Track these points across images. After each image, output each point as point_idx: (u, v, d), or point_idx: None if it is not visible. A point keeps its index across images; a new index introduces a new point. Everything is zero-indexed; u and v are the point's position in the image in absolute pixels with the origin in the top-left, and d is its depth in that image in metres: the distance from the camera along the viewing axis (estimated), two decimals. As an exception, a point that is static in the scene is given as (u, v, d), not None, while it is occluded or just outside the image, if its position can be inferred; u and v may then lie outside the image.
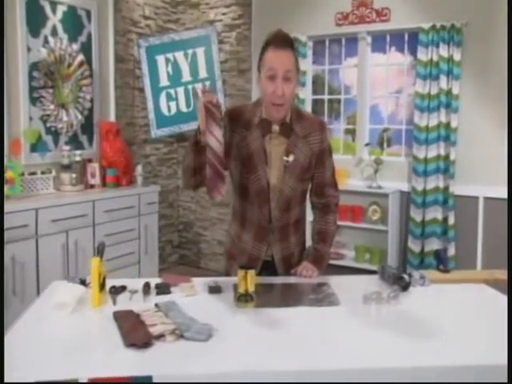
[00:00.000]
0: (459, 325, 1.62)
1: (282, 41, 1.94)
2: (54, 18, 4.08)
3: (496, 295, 1.89)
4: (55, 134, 4.17)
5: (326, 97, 4.85)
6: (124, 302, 1.76)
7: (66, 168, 4.12)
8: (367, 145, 4.47)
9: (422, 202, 4.27)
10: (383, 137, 4.48)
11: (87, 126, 4.43)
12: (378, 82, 4.64)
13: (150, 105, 4.81)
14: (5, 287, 3.34)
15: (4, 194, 3.37)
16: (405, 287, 1.89)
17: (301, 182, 2.10)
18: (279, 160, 2.05)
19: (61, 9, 4.12)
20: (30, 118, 3.98)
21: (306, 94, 4.77)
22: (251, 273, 1.84)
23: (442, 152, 4.18)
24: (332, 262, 4.55)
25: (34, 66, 3.95)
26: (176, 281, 1.95)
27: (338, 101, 4.83)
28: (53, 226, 3.67)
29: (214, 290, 1.87)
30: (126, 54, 4.76)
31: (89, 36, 4.37)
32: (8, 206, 3.39)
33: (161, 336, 1.47)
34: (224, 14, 4.97)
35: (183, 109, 4.82)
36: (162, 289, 1.85)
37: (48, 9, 4.03)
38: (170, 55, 4.79)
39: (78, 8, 4.27)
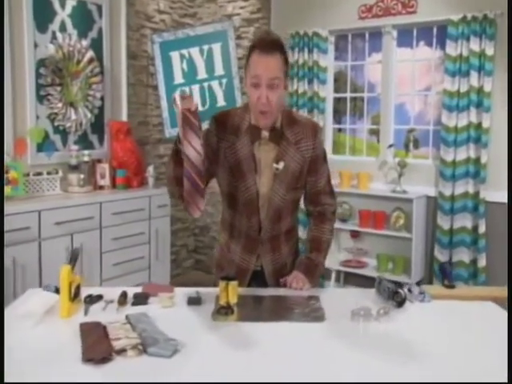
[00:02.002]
0: (452, 347, 1.54)
1: (268, 45, 1.89)
2: (63, 13, 4.13)
3: (503, 315, 1.80)
4: (63, 133, 4.23)
5: (348, 95, 4.76)
6: (96, 313, 1.75)
7: (74, 168, 4.17)
8: (391, 146, 4.36)
9: (449, 208, 4.14)
10: (409, 138, 4.36)
11: (97, 125, 4.47)
12: (405, 79, 4.52)
13: (164, 103, 4.80)
14: (5, 290, 3.40)
15: (4, 194, 3.41)
16: (400, 303, 1.81)
17: (292, 191, 2.05)
18: (269, 167, 2.01)
19: (70, 3, 4.17)
20: (37, 117, 4.04)
21: (328, 92, 4.70)
22: (233, 284, 1.81)
23: (472, 154, 4.04)
24: (353, 270, 4.50)
25: (41, 63, 4.01)
26: (156, 291, 1.93)
27: (362, 99, 4.74)
28: (56, 229, 3.71)
29: (193, 301, 1.84)
30: (139, 51, 4.79)
31: (100, 32, 4.41)
32: (10, 208, 3.45)
33: (122, 351, 1.45)
34: (242, 7, 4.95)
35: (198, 107, 4.81)
36: (139, 299, 1.83)
37: (56, 4, 4.09)
38: (184, 51, 4.78)
39: (89, 2, 4.31)
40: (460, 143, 4.06)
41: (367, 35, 4.56)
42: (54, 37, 4.07)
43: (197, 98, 4.85)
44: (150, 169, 4.53)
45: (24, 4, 3.88)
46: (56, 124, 4.16)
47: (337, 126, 4.93)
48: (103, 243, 4.06)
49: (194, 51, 4.78)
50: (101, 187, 4.34)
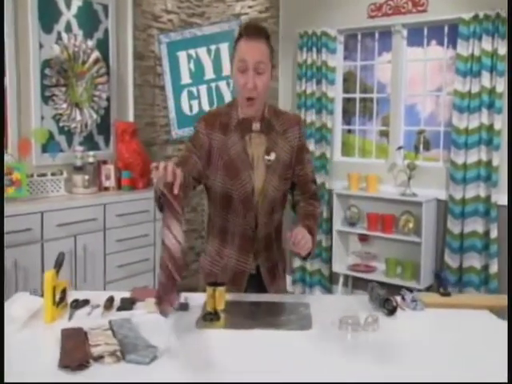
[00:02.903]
0: (440, 357, 1.51)
1: (254, 31, 1.94)
2: (68, 14, 4.17)
3: (497, 324, 1.76)
4: (68, 134, 4.26)
5: (357, 95, 4.73)
6: (81, 318, 1.76)
7: (79, 169, 4.20)
8: (400, 148, 4.32)
9: (460, 212, 4.09)
10: (419, 140, 4.31)
11: (103, 126, 4.50)
12: (416, 79, 4.48)
13: (171, 104, 4.84)
14: (7, 292, 3.43)
15: (4, 194, 3.44)
16: (391, 311, 1.79)
17: (283, 181, 2.08)
18: (262, 160, 2.03)
19: (75, 4, 4.21)
20: (42, 117, 4.08)
21: (337, 93, 4.67)
22: (220, 290, 1.81)
23: (484, 157, 3.98)
24: (361, 275, 4.47)
25: (46, 64, 4.05)
26: (144, 296, 1.93)
27: (372, 100, 4.70)
28: (59, 230, 3.74)
29: (180, 307, 1.84)
30: (146, 51, 4.81)
31: (106, 32, 4.44)
32: (12, 209, 3.49)
33: (100, 357, 1.45)
34: (250, 6, 4.95)
35: (206, 108, 4.82)
36: (124, 304, 1.84)
37: (62, 4, 4.12)
38: (192, 51, 4.80)
39: (94, 2, 4.35)
40: (471, 145, 4.01)
41: (377, 34, 4.53)
42: (59, 37, 4.11)
43: (204, 99, 4.87)
44: (156, 170, 4.54)
45: (29, 4, 3.92)
46: (61, 125, 4.19)
47: (346, 127, 4.90)
48: (107, 245, 4.08)
49: (202, 51, 4.79)
50: (106, 188, 4.37)
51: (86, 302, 1.87)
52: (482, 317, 1.82)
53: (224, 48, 4.79)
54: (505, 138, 3.92)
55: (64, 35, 4.13)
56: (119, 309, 1.82)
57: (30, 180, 3.89)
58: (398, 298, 1.92)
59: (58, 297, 1.77)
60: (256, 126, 2.01)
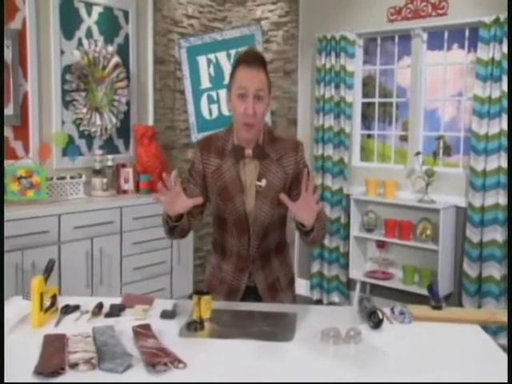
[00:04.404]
0: (419, 371, 1.49)
1: (254, 59, 1.96)
2: (89, 20, 4.26)
3: (486, 341, 1.72)
4: (88, 138, 4.35)
5: (376, 100, 4.68)
6: (68, 324, 1.80)
7: (98, 173, 4.28)
8: (418, 154, 4.25)
9: (479, 220, 4.00)
10: (438, 145, 4.23)
11: (123, 130, 4.58)
12: (436, 83, 4.40)
13: (191, 108, 4.89)
14: (25, 292, 3.53)
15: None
16: (377, 324, 1.77)
17: (277, 207, 2.07)
18: (254, 186, 2.06)
19: (96, 10, 4.29)
20: (63, 122, 4.18)
21: (355, 97, 4.63)
22: (205, 299, 1.82)
23: (504, 164, 3.88)
24: (379, 282, 4.41)
25: (67, 69, 4.15)
26: (134, 302, 1.96)
27: (392, 104, 4.64)
28: (76, 233, 3.82)
29: (166, 315, 1.86)
30: (166, 55, 4.87)
31: (126, 37, 4.52)
32: (30, 211, 3.59)
33: (75, 365, 1.48)
34: (271, 11, 4.95)
35: (225, 112, 4.85)
36: (113, 311, 1.87)
37: (83, 11, 4.21)
38: (211, 56, 4.84)
39: (115, 9, 4.43)
40: (491, 152, 3.91)
41: (397, 38, 4.47)
42: (80, 43, 4.20)
43: (224, 103, 4.88)
44: (174, 173, 4.58)
45: (51, 12, 4.02)
46: (81, 129, 4.28)
47: (365, 132, 4.85)
48: (124, 247, 4.15)
49: (221, 56, 4.83)
50: (124, 191, 4.44)
51: (76, 308, 1.91)
52: (471, 332, 1.78)
53: (244, 52, 4.80)
54: (526, 144, 3.81)
55: (85, 41, 4.22)
56: (107, 315, 1.85)
57: (50, 183, 3.99)
58: (388, 311, 1.90)
59: (47, 302, 1.82)
60: (248, 152, 2.03)
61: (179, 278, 4.57)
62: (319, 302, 4.83)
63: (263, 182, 2.03)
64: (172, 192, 1.78)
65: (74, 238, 3.82)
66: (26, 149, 4.00)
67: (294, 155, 2.06)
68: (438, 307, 1.90)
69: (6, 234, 3.40)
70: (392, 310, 1.89)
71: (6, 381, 1.40)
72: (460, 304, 4.15)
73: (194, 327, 1.76)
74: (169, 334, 1.73)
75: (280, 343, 1.68)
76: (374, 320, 1.77)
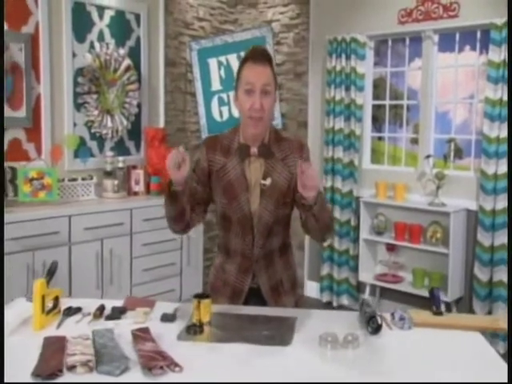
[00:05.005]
0: (416, 377, 1.48)
1: (260, 56, 1.99)
2: (101, 23, 4.30)
3: (486, 348, 1.70)
4: (100, 140, 4.40)
5: (387, 102, 4.65)
6: (69, 326, 1.81)
7: (109, 174, 4.32)
8: (428, 157, 4.22)
9: (490, 223, 3.96)
10: (449, 148, 4.20)
11: (134, 132, 4.62)
12: (447, 85, 4.37)
13: (202, 110, 4.91)
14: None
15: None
16: (376, 329, 1.76)
17: (282, 206, 2.08)
18: (259, 185, 2.06)
19: (108, 13, 4.34)
20: (74, 124, 4.23)
21: (366, 100, 4.61)
22: (205, 302, 1.83)
23: (515, 167, 3.84)
24: (388, 285, 4.39)
25: (79, 72, 4.19)
26: (136, 305, 1.97)
27: (403, 106, 4.61)
28: (86, 234, 3.86)
29: (166, 318, 1.87)
30: (177, 58, 4.89)
31: (137, 40, 4.55)
32: (41, 212, 3.64)
33: (73, 367, 1.50)
34: (282, 13, 4.95)
35: (235, 114, 4.86)
36: (114, 313, 1.88)
37: (95, 14, 4.26)
38: (222, 58, 4.86)
39: (127, 12, 4.46)
40: (502, 155, 3.87)
41: (407, 40, 4.44)
42: (91, 46, 4.25)
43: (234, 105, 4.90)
44: (184, 176, 4.61)
45: (63, 16, 4.07)
46: (93, 131, 4.33)
47: (376, 135, 4.84)
48: (134, 248, 4.18)
49: (232, 58, 4.84)
50: (135, 193, 4.48)
51: (78, 310, 1.93)
52: (471, 339, 1.76)
53: (254, 55, 4.81)
54: (538, 147, 3.77)
55: (96, 44, 4.26)
56: (108, 318, 1.87)
57: (61, 184, 4.03)
58: (388, 316, 1.90)
59: (50, 304, 1.84)
60: (254, 150, 2.04)
61: (189, 280, 4.59)
62: (329, 304, 4.83)
63: (268, 181, 2.03)
64: (181, 155, 1.83)
65: (85, 239, 3.86)
66: (39, 150, 4.05)
67: (299, 155, 2.06)
68: (438, 313, 1.89)
69: (17, 234, 3.47)
70: (392, 315, 1.88)
71: (6, 381, 1.43)
72: (470, 308, 4.12)
73: (193, 331, 1.77)
74: (168, 337, 1.74)
75: (277, 347, 1.68)
76: (373, 325, 1.77)
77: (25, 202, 3.78)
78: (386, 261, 4.51)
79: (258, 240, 2.09)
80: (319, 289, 4.93)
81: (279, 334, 1.77)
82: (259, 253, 2.11)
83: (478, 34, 4.11)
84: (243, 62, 2.00)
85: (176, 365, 1.52)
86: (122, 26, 4.44)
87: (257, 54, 1.99)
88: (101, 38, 4.30)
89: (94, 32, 4.26)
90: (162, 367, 1.49)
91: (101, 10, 4.29)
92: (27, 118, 3.95)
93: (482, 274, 4.02)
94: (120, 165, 4.37)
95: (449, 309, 4.12)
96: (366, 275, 4.53)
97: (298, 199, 1.96)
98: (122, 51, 4.40)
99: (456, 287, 4.12)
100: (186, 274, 4.58)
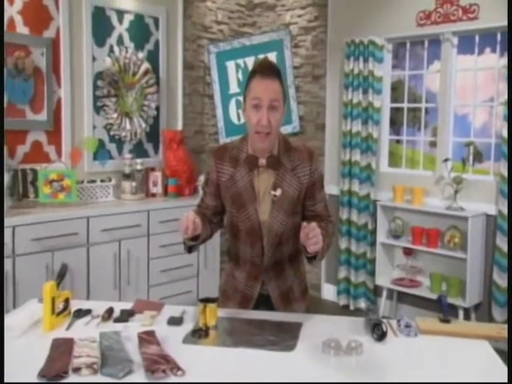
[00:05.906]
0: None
1: (268, 69, 1.97)
2: (120, 27, 4.36)
3: (492, 357, 1.69)
4: (119, 142, 4.46)
5: (405, 105, 4.62)
6: (78, 328, 1.85)
7: (127, 176, 4.37)
8: (446, 160, 4.18)
9: (510, 228, 3.90)
10: (468, 151, 4.15)
11: (153, 134, 4.67)
12: (466, 88, 4.32)
13: (220, 112, 4.95)
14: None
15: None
16: (380, 336, 1.76)
17: (292, 216, 2.09)
18: (268, 195, 2.07)
19: (127, 18, 4.39)
20: (94, 127, 4.30)
21: (384, 103, 4.58)
22: (211, 306, 1.85)
23: (536, 171, 3.78)
24: (406, 290, 4.36)
25: (98, 76, 4.26)
26: (144, 308, 2.00)
27: (422, 109, 4.58)
28: (104, 235, 3.92)
29: (173, 321, 1.89)
30: (195, 61, 4.93)
31: (156, 43, 4.60)
32: (60, 214, 3.71)
33: (78, 369, 1.53)
34: (300, 16, 4.95)
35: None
36: (122, 316, 1.92)
37: (114, 18, 4.32)
38: (240, 61, 4.89)
39: (146, 16, 4.52)
40: (522, 159, 3.82)
41: (426, 43, 4.40)
42: (111, 50, 4.31)
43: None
44: (201, 177, 4.65)
45: (84, 20, 4.14)
46: (112, 133, 4.39)
47: (394, 138, 4.80)
48: (151, 250, 4.23)
49: (250, 61, 4.87)
50: (153, 195, 4.53)
51: (87, 312, 1.97)
52: (477, 348, 1.75)
53: (272, 57, 4.82)
54: (558, 151, 3.71)
55: (116, 48, 4.33)
56: (116, 320, 1.90)
57: (81, 186, 4.10)
58: (394, 323, 1.89)
59: (60, 306, 1.88)
60: (262, 161, 2.05)
61: (206, 281, 4.62)
62: (346, 307, 4.81)
63: (278, 192, 2.04)
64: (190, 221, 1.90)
65: (103, 240, 3.92)
66: (59, 153, 4.13)
67: (309, 165, 2.06)
68: (446, 320, 1.87)
69: (37, 235, 3.54)
70: (398, 322, 1.87)
71: (9, 381, 1.46)
72: (490, 314, 4.06)
73: (198, 334, 1.79)
74: (173, 340, 1.77)
75: (281, 353, 1.69)
76: (378, 332, 1.77)
77: (45, 203, 3.86)
78: (403, 265, 4.48)
79: (269, 249, 2.10)
80: (336, 292, 4.92)
81: (283, 339, 1.78)
82: (269, 261, 2.12)
83: (499, 36, 4.05)
84: (251, 76, 1.99)
85: (179, 368, 1.54)
86: (140, 30, 4.49)
87: (265, 68, 1.97)
88: (120, 41, 4.36)
89: (113, 36, 4.32)
90: (164, 371, 1.52)
91: (120, 14, 4.35)
92: (48, 121, 4.03)
93: (501, 279, 3.96)
94: (138, 167, 4.43)
95: (467, 315, 4.07)
96: (383, 279, 4.51)
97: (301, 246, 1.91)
98: (140, 55, 4.46)
99: (474, 293, 4.07)
100: (203, 276, 4.61)
